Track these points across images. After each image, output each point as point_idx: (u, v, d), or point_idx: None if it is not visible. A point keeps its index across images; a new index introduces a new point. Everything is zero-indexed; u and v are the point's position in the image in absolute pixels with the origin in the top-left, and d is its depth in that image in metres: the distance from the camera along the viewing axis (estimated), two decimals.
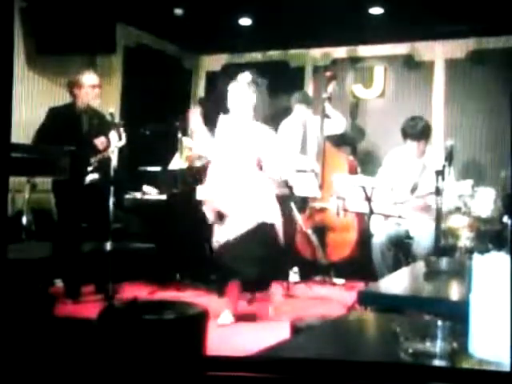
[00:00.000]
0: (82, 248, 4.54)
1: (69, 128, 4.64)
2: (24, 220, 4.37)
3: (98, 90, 4.81)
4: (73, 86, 4.78)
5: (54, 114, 4.72)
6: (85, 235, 4.56)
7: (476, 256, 1.51)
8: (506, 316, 1.42)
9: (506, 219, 3.34)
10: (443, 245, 3.27)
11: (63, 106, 4.93)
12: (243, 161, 4.21)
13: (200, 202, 4.32)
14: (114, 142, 4.56)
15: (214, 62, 7.18)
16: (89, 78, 4.79)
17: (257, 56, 6.83)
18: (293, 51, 6.76)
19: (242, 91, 4.25)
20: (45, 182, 4.76)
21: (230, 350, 3.24)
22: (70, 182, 4.45)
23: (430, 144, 4.84)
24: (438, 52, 6.25)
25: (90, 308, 3.94)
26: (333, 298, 4.83)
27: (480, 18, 5.28)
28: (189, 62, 7.19)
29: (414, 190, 4.66)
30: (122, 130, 4.60)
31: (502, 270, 1.45)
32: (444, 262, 2.58)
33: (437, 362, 1.41)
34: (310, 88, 6.69)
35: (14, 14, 2.48)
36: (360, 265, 5.15)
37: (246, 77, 4.32)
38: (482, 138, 5.98)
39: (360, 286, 4.34)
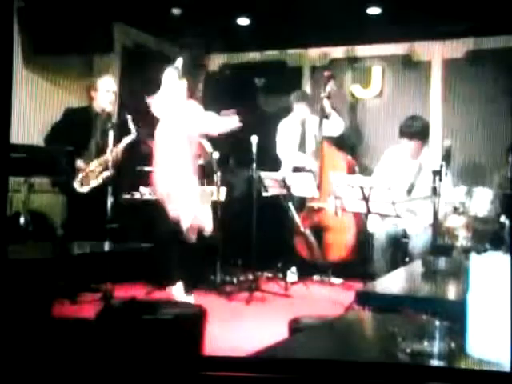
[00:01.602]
0: (80, 248, 4.54)
1: (83, 129, 4.76)
2: (21, 220, 4.36)
3: (113, 96, 4.91)
4: (90, 89, 4.93)
5: (70, 114, 4.90)
6: (83, 235, 4.56)
7: (473, 256, 1.52)
8: (504, 316, 1.42)
9: (503, 219, 3.35)
10: (441, 244, 3.28)
11: (80, 107, 5.08)
12: (179, 145, 4.30)
13: None
14: (110, 142, 4.61)
15: (212, 62, 7.17)
16: (105, 83, 4.89)
17: (255, 56, 6.84)
18: (291, 51, 6.76)
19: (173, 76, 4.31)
20: (43, 182, 4.76)
21: (228, 349, 3.24)
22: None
23: (426, 145, 4.85)
24: (435, 52, 6.25)
25: (88, 308, 3.93)
26: (331, 298, 4.83)
27: (478, 17, 5.28)
28: None
29: (410, 190, 4.66)
30: (130, 123, 4.69)
31: (500, 270, 1.45)
32: (441, 262, 2.58)
33: (434, 362, 1.41)
34: (307, 88, 6.69)
35: (13, 14, 2.47)
36: (358, 264, 5.15)
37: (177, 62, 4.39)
38: (479, 138, 5.98)
39: (358, 285, 4.34)
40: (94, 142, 4.85)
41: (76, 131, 4.68)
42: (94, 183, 4.74)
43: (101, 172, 4.74)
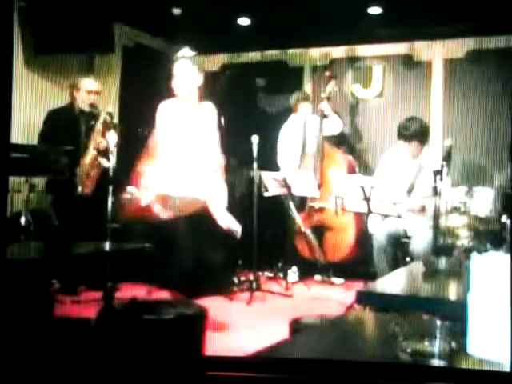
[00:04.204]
0: (81, 248, 4.54)
1: (67, 129, 4.71)
2: (22, 220, 4.36)
3: (95, 97, 4.84)
4: (72, 88, 4.86)
5: (53, 117, 4.84)
6: (83, 235, 4.56)
7: (474, 255, 1.52)
8: (505, 315, 1.42)
9: (504, 219, 3.35)
10: (442, 244, 3.28)
11: (61, 107, 5.01)
12: (190, 146, 4.09)
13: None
14: (112, 142, 4.58)
15: (213, 62, 7.17)
16: (87, 83, 4.85)
17: (255, 56, 6.83)
18: (291, 51, 6.76)
19: (186, 69, 4.09)
20: (43, 182, 4.77)
21: (229, 349, 3.24)
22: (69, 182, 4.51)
23: (426, 145, 4.85)
24: (436, 52, 6.24)
25: (88, 308, 3.93)
26: (332, 298, 4.83)
27: (479, 17, 5.28)
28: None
29: (410, 191, 4.66)
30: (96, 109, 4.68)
31: (501, 270, 1.45)
32: (442, 262, 2.58)
33: (435, 362, 1.41)
34: (308, 87, 6.69)
35: (13, 14, 2.47)
36: (359, 264, 5.15)
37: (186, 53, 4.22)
38: (480, 138, 5.97)
39: (359, 285, 4.34)
40: (81, 141, 4.80)
41: (62, 132, 4.65)
42: (90, 184, 4.71)
43: (93, 168, 4.70)
